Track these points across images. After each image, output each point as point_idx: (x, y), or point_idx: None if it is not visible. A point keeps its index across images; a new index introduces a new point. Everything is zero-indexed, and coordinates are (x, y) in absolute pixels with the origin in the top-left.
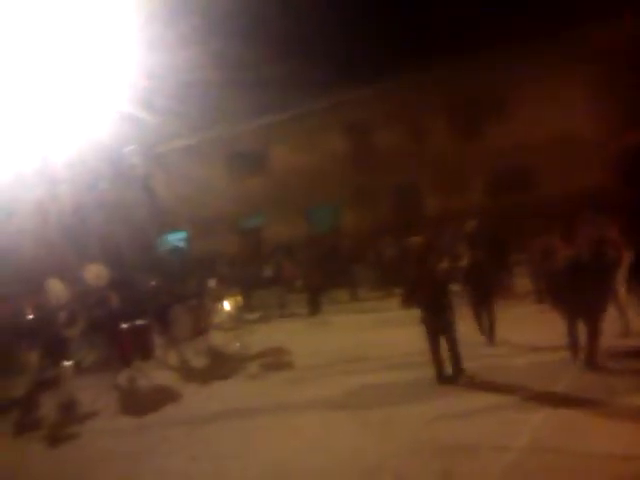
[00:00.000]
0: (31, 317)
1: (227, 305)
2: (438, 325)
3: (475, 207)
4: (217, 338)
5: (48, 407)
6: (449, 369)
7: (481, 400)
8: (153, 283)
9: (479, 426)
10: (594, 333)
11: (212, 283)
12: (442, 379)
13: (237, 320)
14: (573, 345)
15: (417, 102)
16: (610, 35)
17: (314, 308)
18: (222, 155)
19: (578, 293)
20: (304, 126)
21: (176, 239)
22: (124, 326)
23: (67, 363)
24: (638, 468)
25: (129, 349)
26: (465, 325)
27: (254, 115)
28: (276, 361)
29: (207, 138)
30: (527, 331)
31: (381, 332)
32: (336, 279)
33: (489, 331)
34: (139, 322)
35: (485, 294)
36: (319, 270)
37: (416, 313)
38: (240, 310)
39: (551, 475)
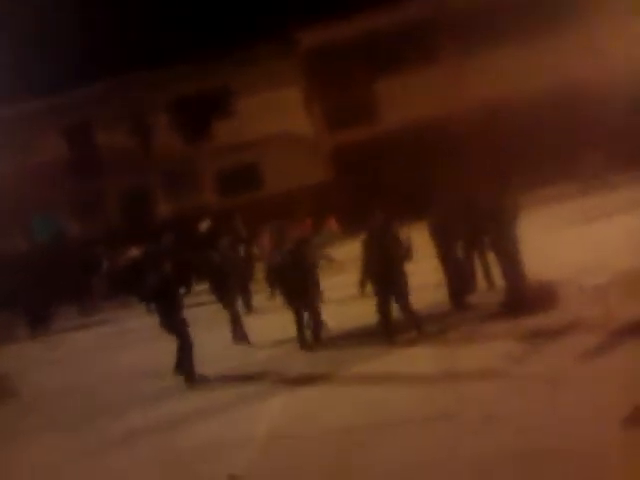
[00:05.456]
0: None
1: None
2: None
3: (207, 207)
4: None
5: None
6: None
7: (223, 396)
8: None
9: (223, 421)
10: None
11: None
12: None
13: None
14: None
15: (142, 102)
16: (319, 38)
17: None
18: None
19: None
20: (20, 128)
21: None
22: None
23: None
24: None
25: None
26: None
27: None
28: None
29: None
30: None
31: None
32: (66, 291)
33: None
34: None
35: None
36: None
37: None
38: None
39: (292, 459)
